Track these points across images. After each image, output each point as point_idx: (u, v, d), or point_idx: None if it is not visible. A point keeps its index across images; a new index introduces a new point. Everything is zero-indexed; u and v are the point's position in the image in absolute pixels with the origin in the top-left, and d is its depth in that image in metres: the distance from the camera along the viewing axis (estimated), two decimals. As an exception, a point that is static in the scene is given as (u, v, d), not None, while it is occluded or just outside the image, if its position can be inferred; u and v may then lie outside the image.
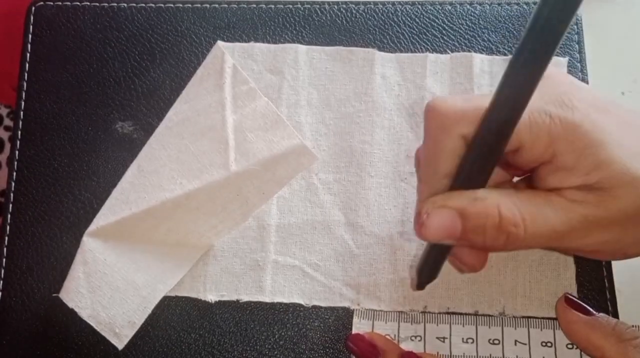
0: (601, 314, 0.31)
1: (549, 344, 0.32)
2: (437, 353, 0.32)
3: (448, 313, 0.33)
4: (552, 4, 0.20)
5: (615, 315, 0.33)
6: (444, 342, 0.32)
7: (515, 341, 0.32)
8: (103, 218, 0.35)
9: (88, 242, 0.34)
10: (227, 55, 0.38)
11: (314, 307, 0.34)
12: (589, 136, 0.25)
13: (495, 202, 0.26)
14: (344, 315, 0.34)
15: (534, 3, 0.39)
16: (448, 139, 0.26)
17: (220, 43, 0.39)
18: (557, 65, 0.37)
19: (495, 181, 0.30)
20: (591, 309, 0.31)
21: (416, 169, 0.31)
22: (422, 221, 0.27)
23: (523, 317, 0.33)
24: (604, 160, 0.25)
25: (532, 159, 0.27)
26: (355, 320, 0.34)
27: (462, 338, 0.33)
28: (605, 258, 0.33)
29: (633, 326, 0.30)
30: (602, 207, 0.26)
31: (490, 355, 0.32)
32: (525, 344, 0.32)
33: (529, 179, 0.30)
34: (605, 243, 0.27)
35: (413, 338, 0.33)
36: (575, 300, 0.32)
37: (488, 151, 0.25)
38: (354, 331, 0.33)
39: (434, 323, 0.33)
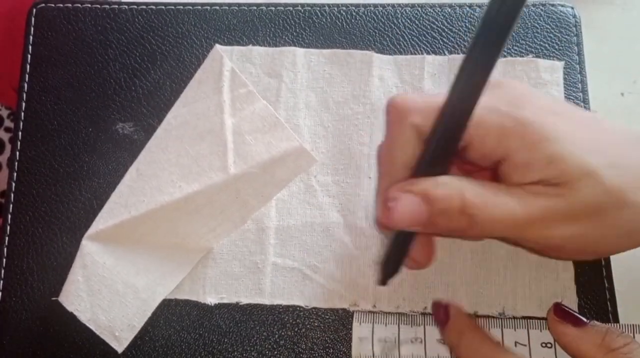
0: (592, 322, 0.29)
1: (548, 345, 0.32)
2: (437, 356, 0.32)
3: (448, 314, 0.33)
4: (499, 7, 0.23)
5: (614, 315, 0.33)
6: (444, 344, 0.32)
7: (515, 342, 0.32)
8: (102, 221, 0.35)
9: (87, 246, 0.34)
10: (225, 58, 0.38)
11: (314, 307, 0.34)
12: (539, 132, 0.26)
13: (458, 186, 0.27)
14: (344, 315, 0.34)
15: (533, 5, 0.39)
16: (403, 129, 0.27)
17: (218, 46, 0.39)
18: (552, 69, 0.37)
19: None
20: (581, 317, 0.29)
21: (377, 165, 0.32)
22: (389, 206, 0.27)
23: (523, 317, 0.33)
24: (557, 155, 0.26)
25: (483, 155, 0.27)
26: (354, 323, 0.33)
27: (462, 340, 0.33)
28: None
29: (624, 332, 0.29)
30: (562, 200, 0.26)
31: (490, 356, 0.32)
32: (525, 345, 0.32)
33: (491, 179, 0.30)
34: (571, 239, 0.27)
35: (413, 340, 0.33)
36: (565, 309, 0.30)
37: (446, 139, 0.26)
38: (353, 334, 0.33)
39: (434, 325, 0.33)
